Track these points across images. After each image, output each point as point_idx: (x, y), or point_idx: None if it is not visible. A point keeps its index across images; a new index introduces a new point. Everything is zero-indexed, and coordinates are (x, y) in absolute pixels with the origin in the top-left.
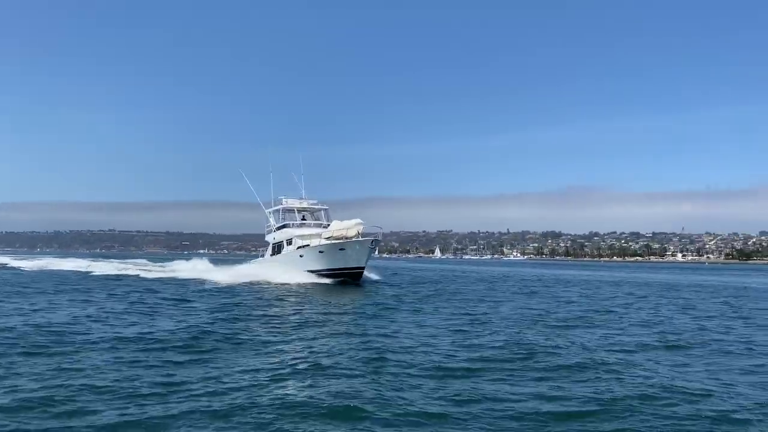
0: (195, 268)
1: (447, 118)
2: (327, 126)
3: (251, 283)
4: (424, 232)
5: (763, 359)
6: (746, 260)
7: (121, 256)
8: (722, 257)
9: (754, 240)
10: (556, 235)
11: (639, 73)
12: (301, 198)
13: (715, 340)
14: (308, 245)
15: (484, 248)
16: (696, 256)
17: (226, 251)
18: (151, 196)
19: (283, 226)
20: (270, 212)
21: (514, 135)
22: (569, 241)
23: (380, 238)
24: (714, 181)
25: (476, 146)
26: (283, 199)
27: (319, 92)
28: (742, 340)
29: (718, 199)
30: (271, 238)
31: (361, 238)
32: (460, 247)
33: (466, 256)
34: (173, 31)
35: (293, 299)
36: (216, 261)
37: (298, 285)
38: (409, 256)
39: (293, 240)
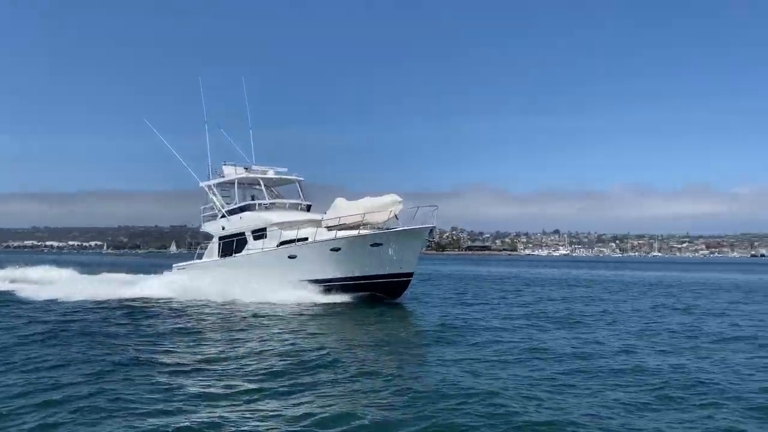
0: (75, 280)
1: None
2: None
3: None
4: (155, 226)
5: None
6: (442, 251)
7: None
8: (424, 248)
9: (447, 234)
10: None
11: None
12: (248, 166)
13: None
14: (306, 239)
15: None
16: None
17: None
18: None
19: (245, 208)
20: (212, 186)
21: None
22: None
23: (436, 225)
24: (422, 184)
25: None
26: (228, 168)
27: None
28: None
29: (424, 199)
30: (217, 229)
31: (404, 227)
32: (194, 241)
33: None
34: None
35: None
36: (82, 266)
37: (318, 305)
38: (140, 251)
39: (268, 231)
